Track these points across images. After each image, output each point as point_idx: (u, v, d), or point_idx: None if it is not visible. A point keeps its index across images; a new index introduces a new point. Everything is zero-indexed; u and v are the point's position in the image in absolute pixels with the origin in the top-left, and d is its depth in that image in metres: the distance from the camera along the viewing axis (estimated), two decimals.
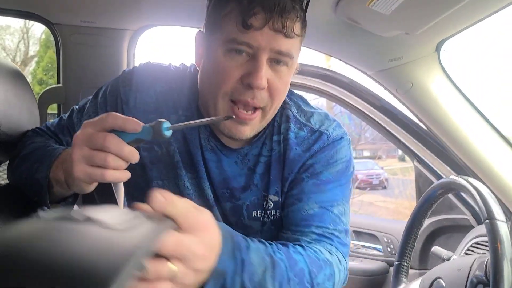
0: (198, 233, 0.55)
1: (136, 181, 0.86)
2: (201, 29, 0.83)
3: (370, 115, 1.70)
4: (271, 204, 0.89)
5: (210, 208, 0.88)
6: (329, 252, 0.81)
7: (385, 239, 1.86)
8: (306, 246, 0.79)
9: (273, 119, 0.89)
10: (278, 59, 0.76)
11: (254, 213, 0.89)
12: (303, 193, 0.85)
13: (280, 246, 0.74)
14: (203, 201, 0.89)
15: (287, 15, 0.73)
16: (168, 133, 0.65)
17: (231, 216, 0.89)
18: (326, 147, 0.87)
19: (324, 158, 0.87)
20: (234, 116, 0.77)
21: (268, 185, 0.88)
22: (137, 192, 0.92)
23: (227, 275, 0.62)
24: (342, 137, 0.89)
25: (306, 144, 0.87)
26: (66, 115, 0.95)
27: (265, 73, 0.75)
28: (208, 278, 0.59)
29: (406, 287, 1.08)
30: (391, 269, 1.78)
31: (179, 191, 0.88)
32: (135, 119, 0.65)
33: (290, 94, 0.92)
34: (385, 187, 11.94)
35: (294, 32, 0.75)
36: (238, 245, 0.65)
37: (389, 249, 1.84)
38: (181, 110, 0.88)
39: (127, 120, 0.65)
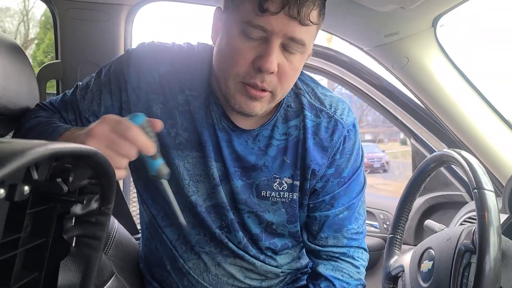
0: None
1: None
2: (220, 6, 0.84)
3: (369, 94, 1.71)
4: (284, 186, 0.92)
5: (214, 187, 0.91)
6: (356, 261, 0.98)
7: (381, 216, 1.88)
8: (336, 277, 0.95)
9: (286, 103, 0.91)
10: (290, 45, 0.77)
11: (263, 193, 0.92)
12: (333, 198, 0.94)
13: None
14: (207, 181, 0.91)
15: (304, 2, 0.74)
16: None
17: (241, 193, 0.91)
18: (344, 140, 0.92)
19: (344, 153, 0.93)
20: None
21: (281, 168, 0.91)
22: (141, 176, 0.97)
23: None
24: (354, 124, 0.94)
25: (325, 134, 0.91)
26: (70, 92, 0.95)
27: (275, 58, 0.76)
28: None
29: (398, 259, 1.11)
30: None
31: (178, 172, 0.90)
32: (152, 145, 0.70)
33: (301, 75, 0.93)
34: (385, 170, 11.96)
35: (310, 20, 0.75)
36: None
37: (385, 226, 1.87)
38: (188, 90, 0.89)
39: (146, 144, 0.69)
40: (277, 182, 0.91)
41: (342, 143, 0.92)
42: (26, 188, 0.36)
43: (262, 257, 0.97)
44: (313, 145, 0.90)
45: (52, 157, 0.34)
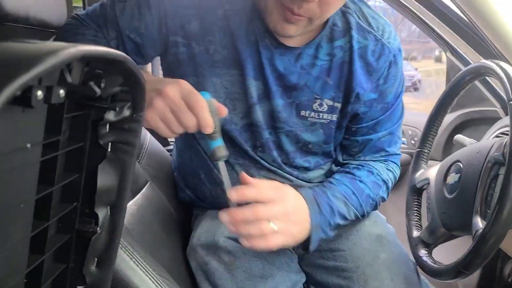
0: (281, 203, 0.76)
1: (171, 76, 0.87)
2: None
3: (406, 4, 1.61)
4: (325, 108, 0.91)
5: (251, 106, 0.90)
6: (388, 170, 1.01)
7: (409, 132, 1.87)
8: (369, 168, 0.98)
9: (332, 22, 0.87)
10: None
11: (303, 112, 0.92)
12: (377, 124, 0.96)
13: (346, 180, 0.94)
14: (244, 99, 0.90)
15: None
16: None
17: (282, 112, 0.91)
18: (389, 65, 0.90)
19: (389, 79, 0.91)
20: None
21: (323, 89, 0.90)
22: None
23: (322, 225, 0.84)
24: (400, 49, 0.92)
25: (371, 58, 0.88)
26: (108, 4, 0.90)
27: None
28: (309, 232, 0.82)
29: (424, 172, 1.12)
30: None
31: (215, 90, 0.89)
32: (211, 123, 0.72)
33: None
34: (417, 89, 11.62)
35: None
36: (320, 201, 0.84)
37: (412, 142, 1.86)
38: (227, 4, 0.86)
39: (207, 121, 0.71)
40: (318, 103, 0.91)
41: (387, 68, 0.90)
42: (62, 91, 0.37)
43: (295, 173, 1.00)
44: (359, 68, 0.88)
45: (84, 59, 0.34)
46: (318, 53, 0.88)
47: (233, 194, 0.76)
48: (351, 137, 0.98)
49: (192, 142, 1.00)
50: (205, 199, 1.04)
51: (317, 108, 0.91)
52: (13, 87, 0.24)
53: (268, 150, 0.95)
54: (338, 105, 0.92)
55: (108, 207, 0.54)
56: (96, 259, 0.55)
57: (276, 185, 0.82)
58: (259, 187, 0.78)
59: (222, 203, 1.00)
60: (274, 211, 0.77)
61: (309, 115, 0.92)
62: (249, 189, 0.77)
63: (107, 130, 0.53)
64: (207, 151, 0.76)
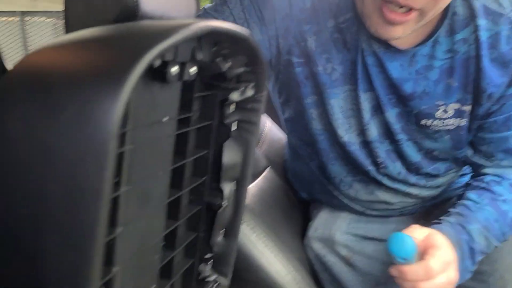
0: (436, 253, 0.68)
1: (288, 95, 0.84)
2: None
3: None
4: (450, 113, 0.79)
5: (365, 123, 0.82)
6: None
7: None
8: (510, 180, 0.85)
9: (452, 10, 0.73)
10: None
11: (424, 121, 0.80)
12: (509, 119, 0.80)
13: (486, 201, 0.81)
14: (358, 115, 0.81)
15: None
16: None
17: (397, 123, 0.81)
18: None
19: None
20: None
21: (447, 94, 0.77)
22: (290, 109, 0.87)
23: (465, 271, 0.78)
24: None
25: (505, 46, 0.73)
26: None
27: None
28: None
29: None
30: None
31: (333, 112, 0.82)
32: None
33: None
34: None
35: None
36: (461, 243, 0.76)
37: None
38: (340, 16, 0.76)
39: None
40: (441, 109, 0.78)
41: None
42: (193, 68, 0.40)
43: (422, 182, 0.90)
44: (489, 63, 0.74)
45: (212, 34, 0.36)
46: (436, 52, 0.74)
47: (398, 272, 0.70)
48: (477, 134, 0.83)
49: (303, 158, 0.94)
50: (321, 201, 1.02)
51: (440, 116, 0.79)
52: (153, 53, 0.27)
53: (391, 162, 0.86)
54: (467, 108, 0.78)
55: (233, 182, 0.58)
56: (222, 230, 0.59)
57: (442, 258, 0.70)
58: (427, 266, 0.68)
59: (340, 206, 0.97)
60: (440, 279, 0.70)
61: (431, 123, 0.80)
62: (417, 270, 0.68)
63: (232, 110, 0.56)
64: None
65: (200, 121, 0.54)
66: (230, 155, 0.56)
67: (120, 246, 0.38)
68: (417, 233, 0.70)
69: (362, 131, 0.83)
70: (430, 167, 0.87)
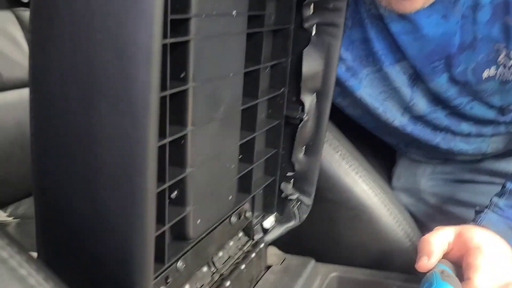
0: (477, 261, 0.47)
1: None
2: None
3: None
4: None
5: (407, 103, 0.70)
6: None
7: None
8: None
9: None
10: None
11: (486, 73, 0.66)
12: None
13: None
14: (394, 97, 0.70)
15: None
16: None
17: (449, 89, 0.68)
18: None
19: None
20: None
21: (507, 34, 0.62)
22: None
23: None
24: None
25: None
26: None
27: None
28: None
29: None
30: None
31: (359, 101, 0.71)
32: None
33: None
34: None
35: None
36: None
37: None
38: None
39: None
40: (503, 54, 0.64)
41: None
42: None
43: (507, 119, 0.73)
44: None
45: None
46: None
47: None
48: None
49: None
50: None
51: (505, 62, 0.63)
52: None
53: (457, 126, 0.72)
54: None
55: (314, 93, 0.53)
56: (304, 147, 0.55)
57: (489, 262, 0.49)
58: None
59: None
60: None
61: (495, 72, 0.65)
62: None
63: (312, 11, 0.50)
64: None
65: (276, 24, 0.49)
66: (310, 63, 0.51)
67: (192, 146, 0.37)
68: (441, 237, 0.51)
69: (406, 109, 0.71)
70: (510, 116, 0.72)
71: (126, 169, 0.27)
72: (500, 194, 0.58)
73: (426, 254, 0.49)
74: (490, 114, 0.70)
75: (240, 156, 0.49)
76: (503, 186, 0.59)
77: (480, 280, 0.45)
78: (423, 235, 0.51)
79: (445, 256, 0.50)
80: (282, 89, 0.52)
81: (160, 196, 0.35)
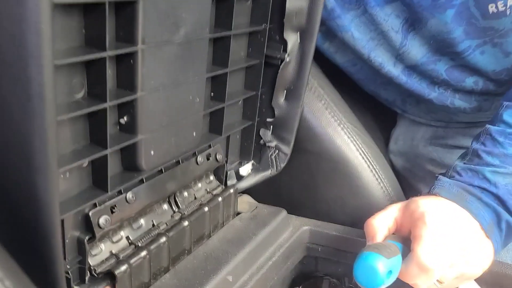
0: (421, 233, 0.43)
1: None
2: None
3: None
4: None
5: (400, 42, 0.62)
6: None
7: None
8: None
9: None
10: None
11: (491, 7, 0.56)
12: None
13: None
14: (386, 38, 0.63)
15: None
16: None
17: (454, 29, 0.59)
18: None
19: None
20: None
21: None
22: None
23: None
24: None
25: None
26: None
27: None
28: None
29: None
30: None
31: (347, 42, 0.64)
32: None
33: None
34: None
35: None
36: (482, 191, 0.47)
37: None
38: None
39: None
40: None
41: None
42: None
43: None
44: None
45: None
46: None
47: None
48: None
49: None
50: None
51: None
52: None
53: (460, 81, 0.65)
54: None
55: (298, 33, 0.49)
56: (285, 91, 0.51)
57: (433, 235, 0.44)
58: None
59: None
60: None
61: (504, 6, 0.55)
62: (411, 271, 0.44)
63: None
64: None
65: None
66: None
67: (143, 68, 0.34)
68: (384, 217, 0.46)
69: (400, 56, 0.64)
70: None
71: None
72: (463, 155, 0.52)
73: (370, 237, 0.46)
74: (502, 64, 0.61)
75: (212, 94, 0.46)
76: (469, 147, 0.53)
77: (422, 251, 0.41)
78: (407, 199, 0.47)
79: (397, 233, 0.47)
80: (264, 25, 0.48)
81: (102, 117, 0.33)
